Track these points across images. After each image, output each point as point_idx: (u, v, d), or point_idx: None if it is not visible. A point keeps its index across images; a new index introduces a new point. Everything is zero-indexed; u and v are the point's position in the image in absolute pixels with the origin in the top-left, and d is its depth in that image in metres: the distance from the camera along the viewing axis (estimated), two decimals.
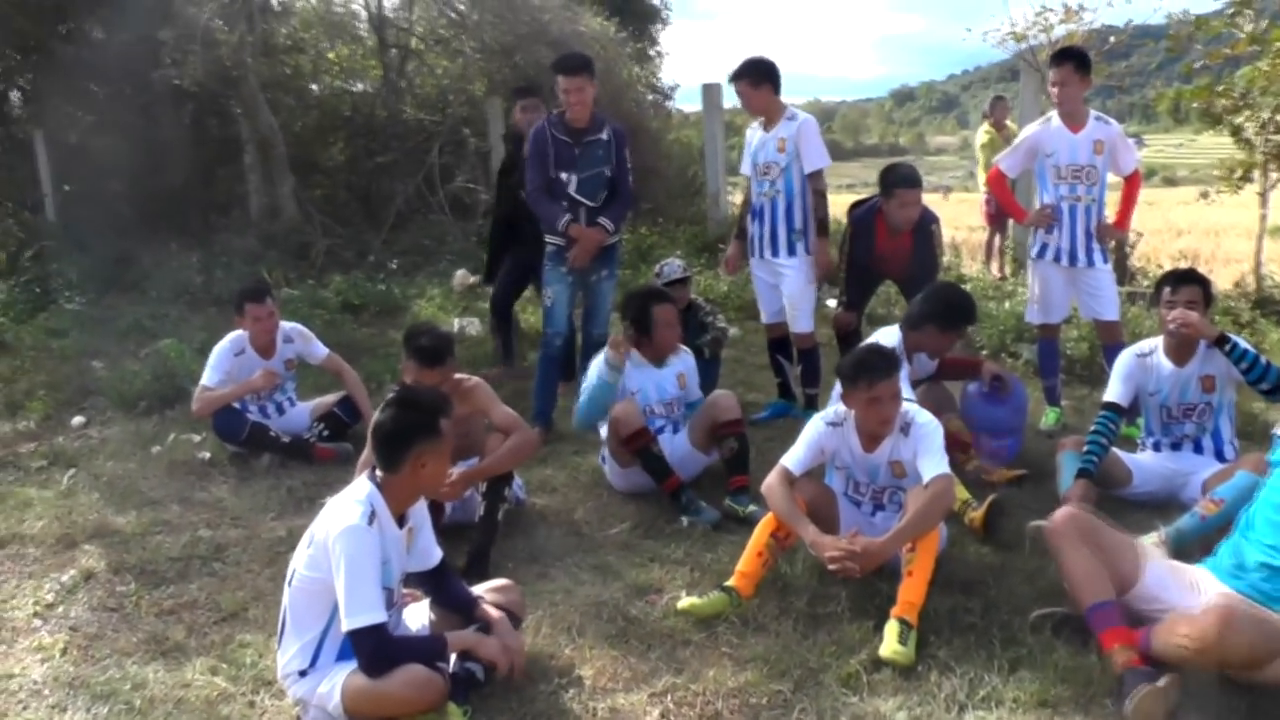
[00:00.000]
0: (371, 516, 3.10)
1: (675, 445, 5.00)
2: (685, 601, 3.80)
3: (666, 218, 12.85)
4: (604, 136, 5.80)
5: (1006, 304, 7.90)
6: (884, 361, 3.86)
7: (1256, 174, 9.05)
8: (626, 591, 4.04)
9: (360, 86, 14.81)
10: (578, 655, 3.57)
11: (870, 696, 3.26)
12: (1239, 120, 8.99)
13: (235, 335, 5.87)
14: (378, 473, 3.23)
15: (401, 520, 3.26)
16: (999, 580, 4.04)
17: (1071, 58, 5.66)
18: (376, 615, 3.01)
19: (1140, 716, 3.02)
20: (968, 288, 8.75)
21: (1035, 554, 4.14)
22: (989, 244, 10.87)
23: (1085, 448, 4.57)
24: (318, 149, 14.13)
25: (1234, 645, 2.98)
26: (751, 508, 4.66)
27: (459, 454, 4.64)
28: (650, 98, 15.82)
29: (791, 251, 5.96)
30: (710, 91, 11.79)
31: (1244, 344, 4.51)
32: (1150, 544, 3.92)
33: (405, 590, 3.51)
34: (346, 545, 3.03)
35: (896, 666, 3.39)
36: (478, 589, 3.56)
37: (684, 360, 5.19)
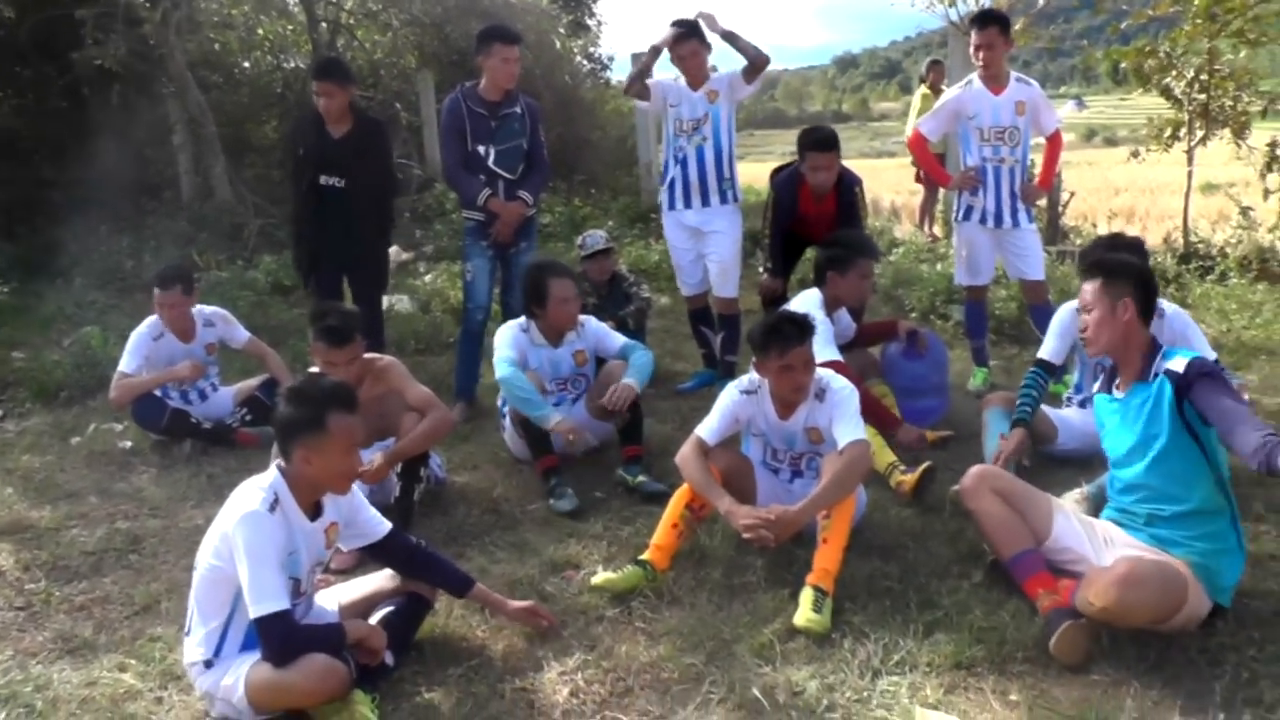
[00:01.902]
0: (274, 504, 3.02)
1: (574, 415, 4.96)
2: (600, 577, 3.75)
3: (601, 188, 12.77)
4: (519, 110, 5.71)
5: (938, 266, 7.92)
6: (796, 328, 3.80)
7: (1184, 132, 9.12)
8: (543, 568, 3.98)
9: (291, 63, 14.52)
10: (490, 636, 3.50)
11: (783, 666, 3.22)
12: (1167, 80, 9.07)
13: (153, 319, 5.72)
14: (282, 462, 3.14)
15: (316, 512, 3.17)
16: (919, 544, 4.02)
17: (996, 20, 5.66)
18: (280, 602, 2.93)
19: (1063, 652, 3.11)
20: (899, 251, 8.82)
21: (956, 516, 4.14)
22: (923, 206, 10.91)
23: (1018, 400, 4.58)
24: (250, 128, 13.87)
25: (1136, 607, 3.05)
26: (640, 478, 4.65)
27: (375, 435, 4.57)
28: (587, 68, 15.66)
29: (723, 199, 5.92)
30: (640, 61, 11.61)
31: (1193, 336, 4.47)
32: (1073, 501, 3.97)
33: (320, 576, 3.43)
34: (246, 532, 2.95)
35: (811, 635, 3.35)
36: (384, 576, 3.50)
37: (585, 337, 5.06)
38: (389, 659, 3.22)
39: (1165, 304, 4.50)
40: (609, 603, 3.66)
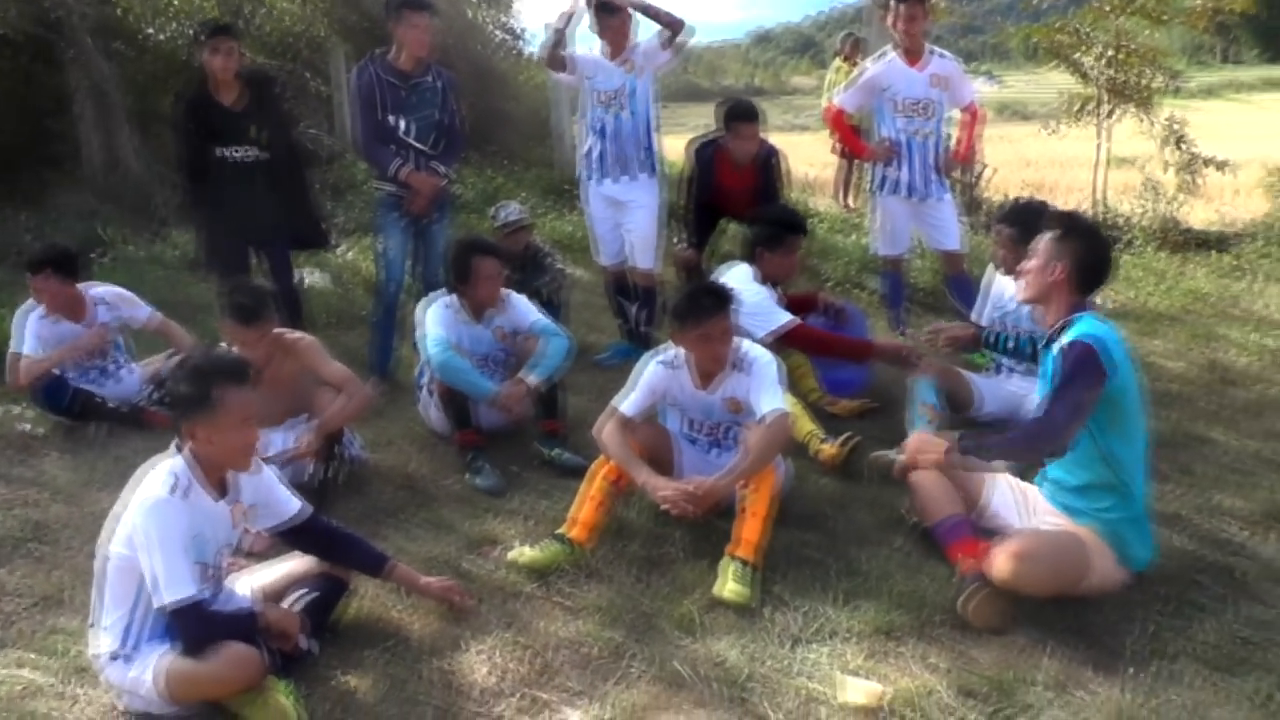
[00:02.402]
0: (176, 487, 2.90)
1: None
2: (519, 553, 3.69)
3: (515, 160, 12.61)
4: (432, 79, 5.58)
5: (855, 237, 7.97)
6: (714, 299, 3.78)
7: (1095, 107, 9.30)
8: (461, 546, 3.91)
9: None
10: (407, 616, 3.43)
11: (705, 638, 3.21)
12: (1079, 56, 9.24)
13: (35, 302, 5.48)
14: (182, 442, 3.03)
15: (223, 490, 3.07)
16: (840, 511, 4.05)
17: None
18: (190, 590, 2.83)
19: (975, 614, 3.18)
20: (817, 222, 8.86)
21: (877, 483, 4.18)
22: (840, 179, 10.97)
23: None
24: (157, 97, 13.30)
25: (1029, 580, 3.14)
26: (557, 451, 4.61)
27: (289, 413, 4.45)
28: (500, 39, 15.43)
29: (645, 170, 5.85)
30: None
31: None
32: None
33: (231, 559, 3.33)
34: (150, 520, 2.84)
35: (733, 606, 3.35)
36: (299, 559, 3.41)
37: (508, 315, 4.95)
38: (305, 644, 3.12)
39: None
40: (528, 579, 3.61)
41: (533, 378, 4.63)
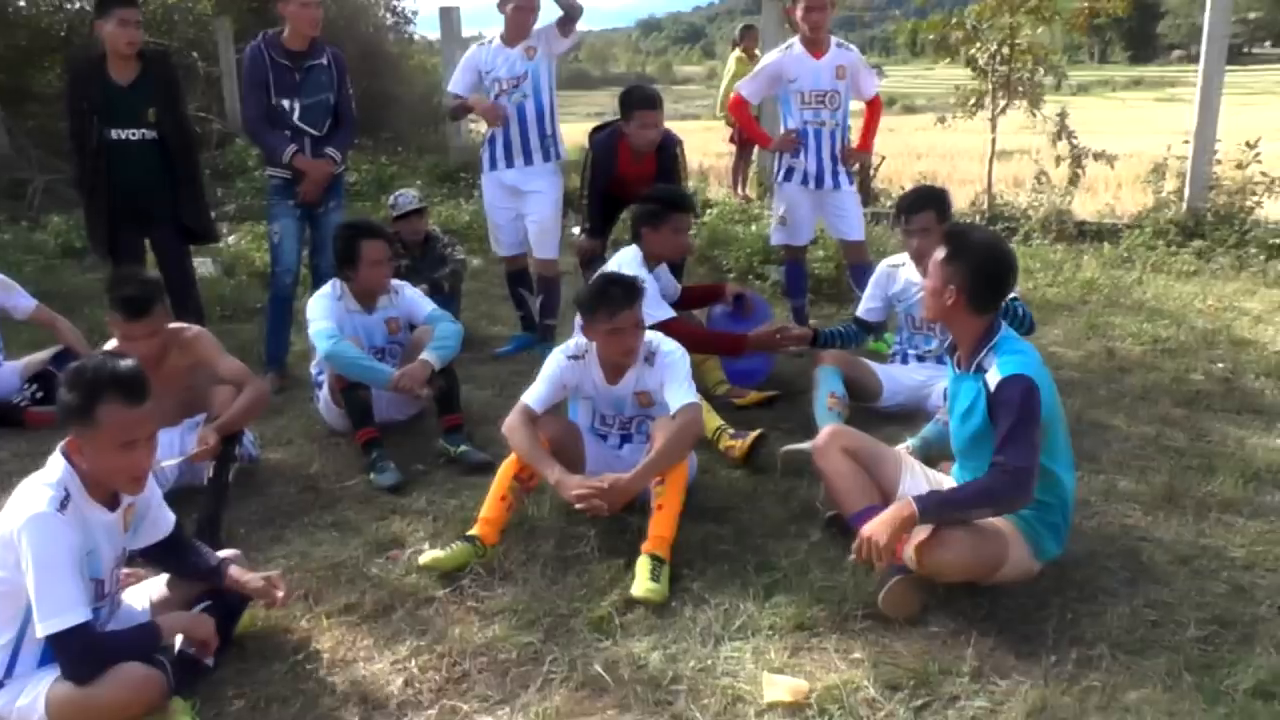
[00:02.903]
0: (64, 501, 2.65)
1: None
2: (427, 555, 3.54)
3: (408, 146, 12.36)
4: (324, 61, 5.41)
5: (753, 226, 7.97)
6: (623, 290, 3.69)
7: (988, 101, 9.49)
8: (366, 549, 3.76)
9: (76, 4, 13.30)
10: (315, 626, 3.26)
11: (623, 638, 3.13)
12: (971, 51, 9.42)
13: None
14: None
15: (115, 500, 2.83)
16: (751, 504, 4.00)
17: None
18: (77, 614, 2.59)
19: (891, 605, 3.15)
20: (714, 212, 8.85)
21: (788, 475, 4.15)
22: (735, 168, 11.00)
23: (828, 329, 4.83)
24: (30, 74, 12.69)
25: (947, 566, 3.12)
26: (463, 448, 4.50)
27: (184, 411, 4.23)
28: (390, 21, 15.11)
29: (545, 157, 5.77)
30: (449, 15, 11.24)
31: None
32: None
33: (126, 570, 3.12)
34: (33, 538, 2.58)
35: (649, 604, 3.27)
36: None
37: (398, 304, 4.83)
38: (206, 658, 2.95)
39: None
40: (438, 582, 3.48)
41: (433, 356, 4.51)
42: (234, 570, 3.10)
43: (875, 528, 3.06)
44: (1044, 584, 3.33)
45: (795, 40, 5.77)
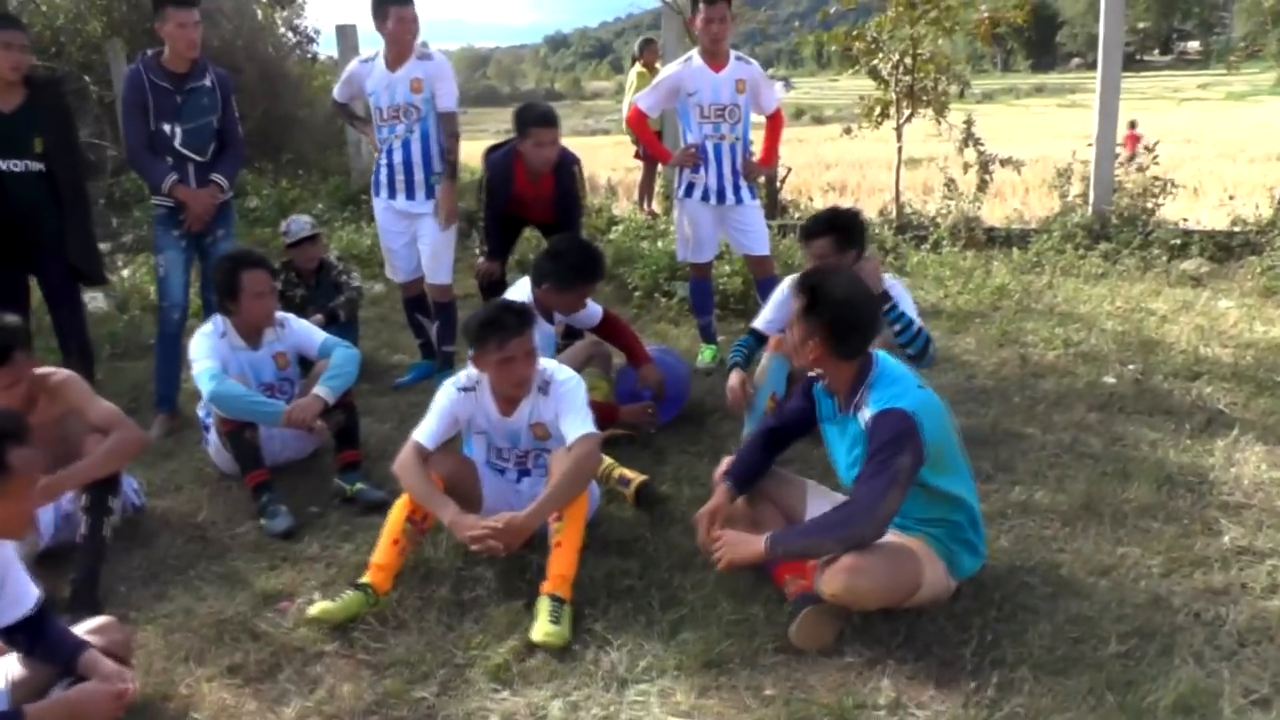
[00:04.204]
0: None
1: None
2: (317, 607, 3.32)
3: (310, 169, 12.04)
4: (208, 83, 5.15)
5: (659, 243, 7.84)
6: (514, 318, 3.50)
7: (893, 111, 9.52)
8: (255, 602, 3.52)
9: None
10: (195, 691, 3.03)
11: (522, 687, 2.95)
12: (874, 62, 9.45)
13: None
14: None
15: None
16: (658, 535, 3.84)
17: None
18: None
19: (803, 637, 3.04)
20: (619, 229, 8.72)
21: (694, 503, 3.98)
22: (643, 184, 10.89)
23: (729, 355, 4.62)
24: None
25: (864, 594, 2.99)
26: (360, 486, 4.29)
27: (57, 462, 3.91)
28: (292, 40, 14.73)
29: (430, 194, 5.54)
30: (345, 33, 10.95)
31: (905, 306, 4.40)
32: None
33: None
34: None
35: (549, 649, 3.09)
36: (74, 630, 2.93)
37: (285, 337, 4.60)
38: None
39: (886, 277, 4.52)
40: (328, 635, 3.26)
41: (325, 390, 4.29)
42: (86, 659, 2.80)
43: (731, 544, 3.08)
44: (964, 604, 3.23)
45: (695, 53, 5.65)
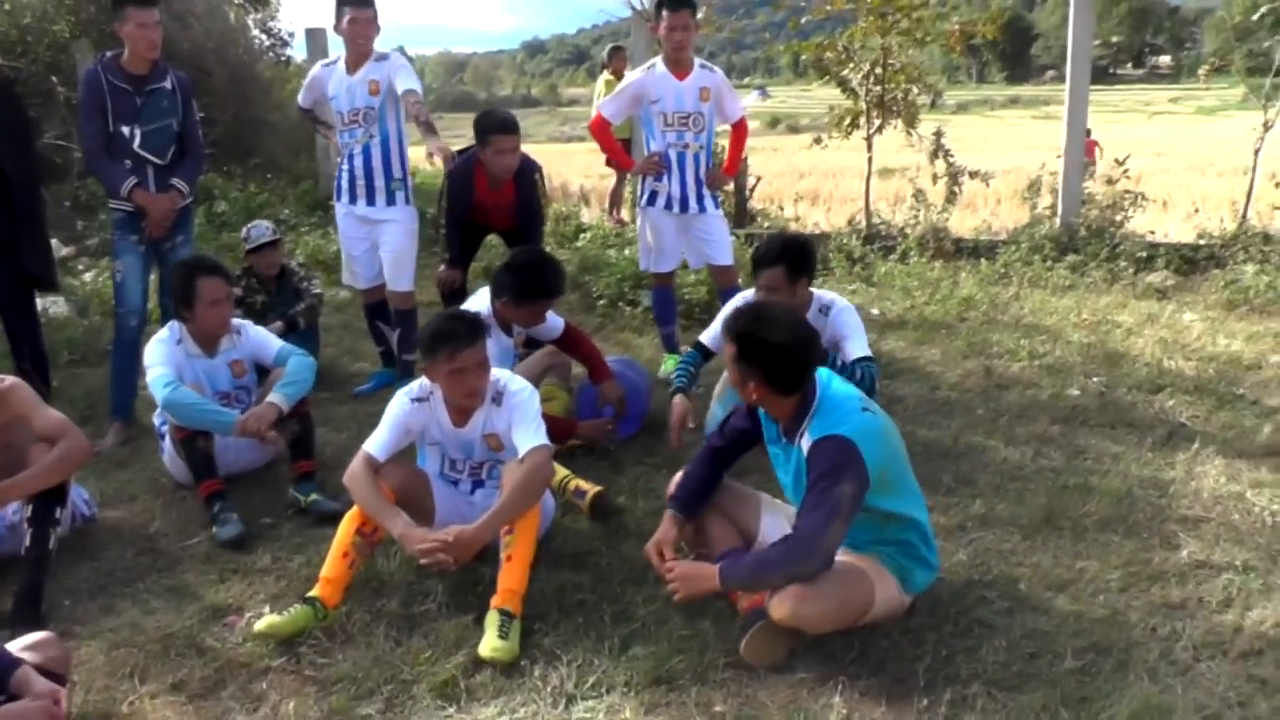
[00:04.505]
0: None
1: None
2: (264, 622, 3.25)
3: (280, 174, 11.93)
4: (168, 85, 5.08)
5: (626, 251, 7.80)
6: (466, 327, 3.45)
7: (862, 121, 9.52)
8: (203, 616, 3.45)
9: None
10: (137, 710, 2.96)
11: (468, 704, 2.90)
12: (845, 72, 9.45)
13: None
14: None
15: None
16: (612, 548, 3.79)
17: (689, 4, 5.51)
18: None
19: (753, 654, 3.00)
20: (586, 236, 8.68)
21: (650, 516, 3.95)
22: (614, 191, 10.85)
23: (674, 373, 4.55)
24: None
25: (813, 619, 2.96)
26: (314, 496, 4.23)
27: (1, 471, 3.85)
28: (266, 43, 14.59)
29: (391, 200, 5.49)
30: (315, 37, 10.86)
31: (849, 331, 4.33)
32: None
33: None
34: None
35: (497, 664, 3.04)
36: (11, 647, 2.86)
37: (241, 345, 4.55)
38: None
39: (836, 299, 4.46)
40: (275, 650, 3.20)
41: (279, 397, 4.23)
42: (18, 676, 2.70)
43: (686, 579, 3.05)
44: (919, 619, 3.20)
45: (658, 60, 5.61)
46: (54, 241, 9.14)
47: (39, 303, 6.68)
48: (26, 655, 2.79)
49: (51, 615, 3.49)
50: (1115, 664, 2.98)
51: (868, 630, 3.11)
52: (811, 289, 4.43)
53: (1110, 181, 8.54)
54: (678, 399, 4.39)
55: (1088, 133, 8.63)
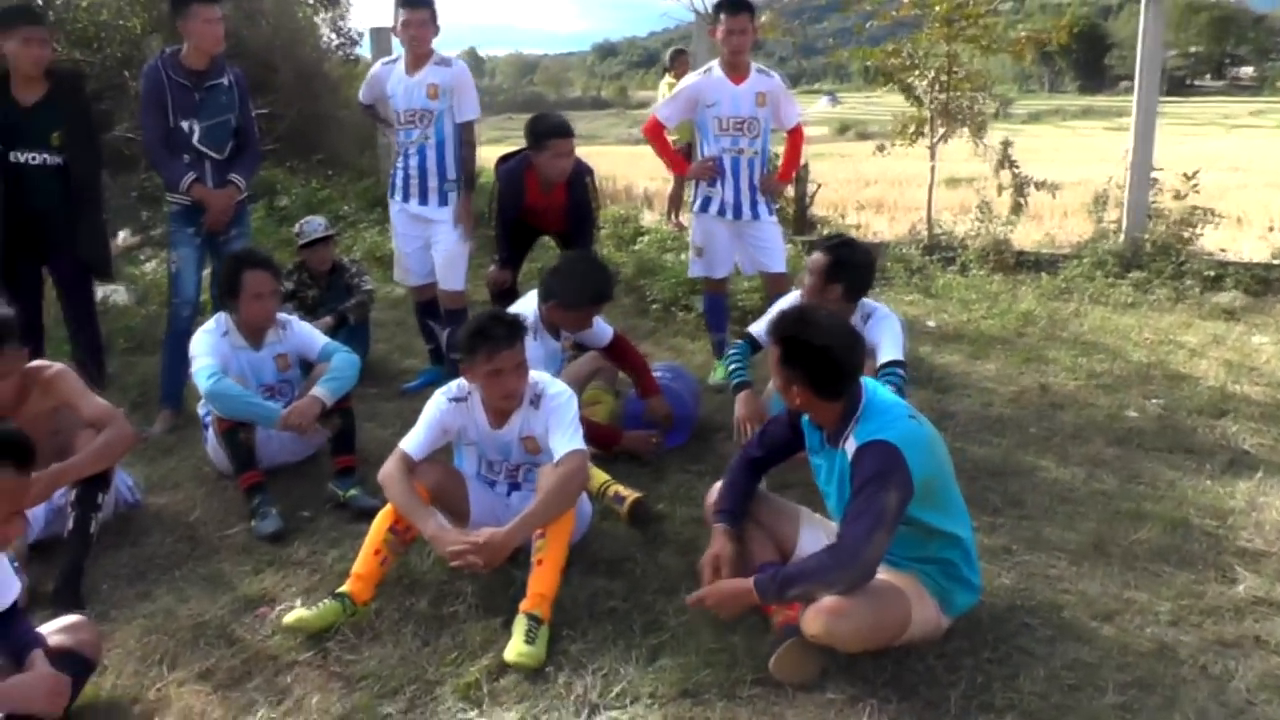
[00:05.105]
0: None
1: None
2: (293, 615, 3.26)
3: (343, 170, 12.06)
4: (226, 81, 5.15)
5: (683, 256, 7.74)
6: (505, 329, 3.42)
7: (927, 129, 9.39)
8: (235, 606, 3.47)
9: None
10: (164, 696, 2.98)
11: (490, 708, 2.87)
12: (910, 79, 9.33)
13: None
14: None
15: None
16: (649, 555, 3.74)
17: (748, 7, 5.47)
18: None
19: (783, 671, 2.94)
20: (645, 240, 8.63)
21: (689, 523, 3.91)
22: (673, 195, 10.79)
23: (729, 369, 4.50)
24: None
25: (846, 637, 2.88)
26: (353, 492, 4.23)
27: (50, 457, 3.88)
28: (336, 43, 14.75)
29: (444, 201, 5.50)
30: (380, 36, 10.96)
31: (887, 340, 4.26)
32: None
33: None
34: None
35: (523, 670, 3.01)
36: (45, 629, 2.88)
37: (287, 339, 4.55)
38: None
39: (879, 307, 4.42)
40: (303, 644, 3.20)
41: (323, 391, 4.24)
42: (32, 657, 2.71)
43: (719, 596, 2.98)
44: (956, 643, 3.10)
45: (715, 64, 5.55)
46: (122, 233, 9.37)
47: (101, 291, 6.84)
48: (60, 637, 2.84)
49: (90, 598, 3.53)
50: (1161, 701, 2.86)
51: (902, 652, 3.02)
52: (863, 299, 4.40)
53: (1179, 196, 8.30)
54: (743, 394, 4.35)
55: None
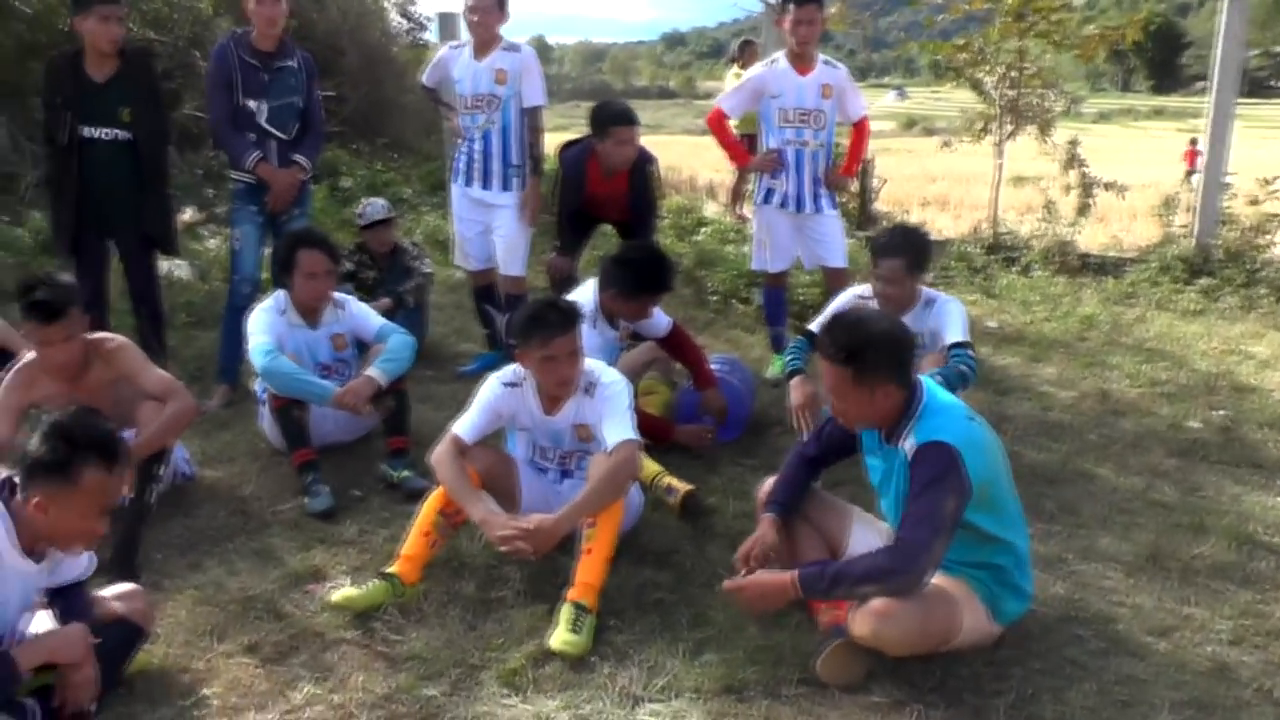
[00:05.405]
0: None
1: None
2: (340, 594, 3.30)
3: (407, 153, 12.15)
4: (294, 64, 5.21)
5: (744, 248, 7.70)
6: (559, 315, 3.42)
7: (994, 126, 9.23)
8: (285, 581, 3.51)
9: None
10: (211, 667, 3.02)
11: (533, 695, 2.87)
12: (979, 74, 9.18)
13: None
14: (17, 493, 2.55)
15: (40, 554, 2.62)
16: (698, 547, 3.73)
17: None
18: None
19: (828, 672, 2.90)
20: (706, 230, 8.58)
21: (741, 518, 3.87)
22: (735, 186, 10.73)
23: (785, 359, 4.49)
24: (29, 69, 12.55)
25: (895, 639, 2.83)
26: (405, 473, 4.24)
27: None
28: (405, 26, 14.89)
29: (506, 186, 5.51)
30: (447, 21, 11.04)
31: (951, 326, 4.24)
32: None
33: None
34: None
35: (567, 658, 3.00)
36: (101, 594, 2.94)
37: (344, 319, 4.59)
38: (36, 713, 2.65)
39: (941, 295, 4.40)
40: (349, 623, 3.23)
41: (378, 372, 4.27)
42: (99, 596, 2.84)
43: (757, 586, 2.95)
44: (1005, 651, 3.05)
45: (781, 55, 5.50)
46: (187, 209, 9.52)
47: (165, 265, 6.96)
48: (115, 604, 2.90)
49: (145, 567, 3.59)
50: None
51: (950, 658, 2.97)
52: (920, 286, 4.38)
53: (1255, 202, 8.08)
54: (797, 380, 4.33)
55: (1192, 141, 8.28)
